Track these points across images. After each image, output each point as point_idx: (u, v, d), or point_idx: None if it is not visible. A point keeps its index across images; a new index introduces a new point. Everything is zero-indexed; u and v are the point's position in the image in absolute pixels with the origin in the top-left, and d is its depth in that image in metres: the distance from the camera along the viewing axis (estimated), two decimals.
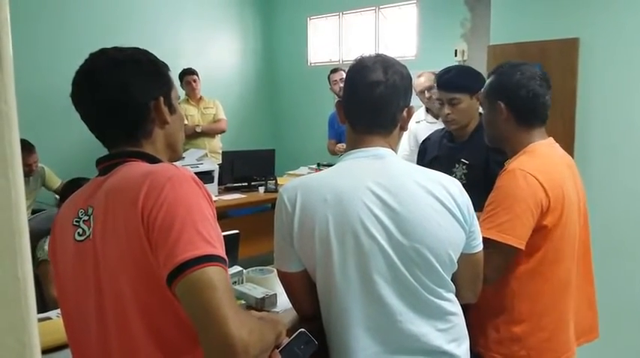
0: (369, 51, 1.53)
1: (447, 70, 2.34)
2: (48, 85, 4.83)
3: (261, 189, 4.56)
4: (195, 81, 5.20)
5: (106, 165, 1.16)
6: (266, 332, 1.08)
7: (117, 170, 1.13)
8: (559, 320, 1.73)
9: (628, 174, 2.76)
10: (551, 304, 1.71)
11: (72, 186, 2.38)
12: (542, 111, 1.76)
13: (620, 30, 2.75)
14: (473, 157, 2.26)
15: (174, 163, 1.16)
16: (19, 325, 0.42)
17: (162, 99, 1.18)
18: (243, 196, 4.39)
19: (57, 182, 4.26)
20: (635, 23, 2.71)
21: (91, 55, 1.17)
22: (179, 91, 5.19)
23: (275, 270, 1.86)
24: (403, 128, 1.46)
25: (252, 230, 3.64)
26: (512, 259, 1.65)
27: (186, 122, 4.97)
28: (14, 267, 0.42)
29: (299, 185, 1.39)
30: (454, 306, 1.40)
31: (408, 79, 1.44)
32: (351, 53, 5.75)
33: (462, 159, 2.29)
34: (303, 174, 5.21)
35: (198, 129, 5.13)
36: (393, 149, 1.43)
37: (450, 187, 1.37)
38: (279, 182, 4.71)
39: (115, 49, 1.18)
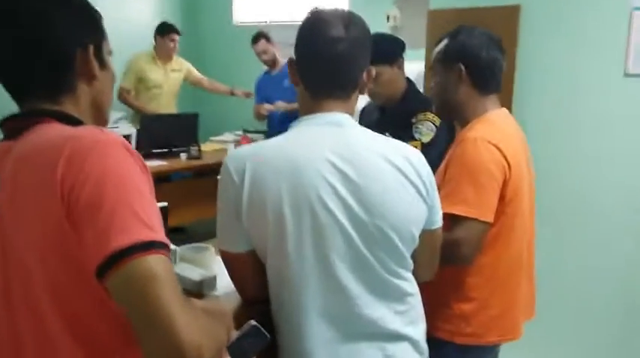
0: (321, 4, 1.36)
1: None
2: None
3: (183, 156, 4.30)
4: (175, 41, 4.82)
5: (14, 127, 0.95)
6: (218, 329, 0.94)
7: (29, 132, 0.93)
8: (509, 299, 1.70)
9: (566, 142, 2.78)
10: (503, 282, 1.67)
11: None
12: (499, 76, 1.69)
13: None
14: (397, 128, 2.18)
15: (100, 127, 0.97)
16: None
17: (92, 48, 0.99)
18: (163, 163, 4.12)
19: None
20: None
21: None
22: (147, 48, 4.82)
23: (209, 246, 1.69)
24: (362, 92, 1.34)
25: (175, 200, 3.40)
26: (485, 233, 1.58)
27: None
28: None
29: (248, 154, 1.23)
30: (412, 286, 1.32)
31: (369, 36, 1.31)
32: (279, 14, 5.49)
33: (387, 133, 2.23)
34: (228, 141, 4.98)
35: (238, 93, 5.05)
36: (351, 115, 1.30)
37: (412, 159, 1.26)
38: (202, 148, 4.49)
39: None
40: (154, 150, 4.25)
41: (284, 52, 4.74)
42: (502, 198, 1.58)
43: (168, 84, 4.92)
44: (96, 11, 1.04)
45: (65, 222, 0.82)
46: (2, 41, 0.95)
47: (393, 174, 1.21)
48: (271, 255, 1.22)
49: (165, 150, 4.29)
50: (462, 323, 1.65)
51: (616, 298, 2.77)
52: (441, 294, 1.64)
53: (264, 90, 4.68)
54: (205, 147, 4.68)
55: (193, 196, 4.10)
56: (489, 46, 1.65)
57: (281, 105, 4.49)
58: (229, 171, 1.21)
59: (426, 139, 2.26)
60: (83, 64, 0.99)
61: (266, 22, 5.51)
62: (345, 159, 1.19)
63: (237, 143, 4.83)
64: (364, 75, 1.30)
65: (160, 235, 0.84)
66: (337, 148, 1.20)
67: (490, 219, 1.55)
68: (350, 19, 1.27)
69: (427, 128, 2.28)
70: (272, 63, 4.66)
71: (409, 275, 1.31)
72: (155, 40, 4.83)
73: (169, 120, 4.59)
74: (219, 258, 1.35)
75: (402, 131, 2.17)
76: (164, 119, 4.58)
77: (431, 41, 3.07)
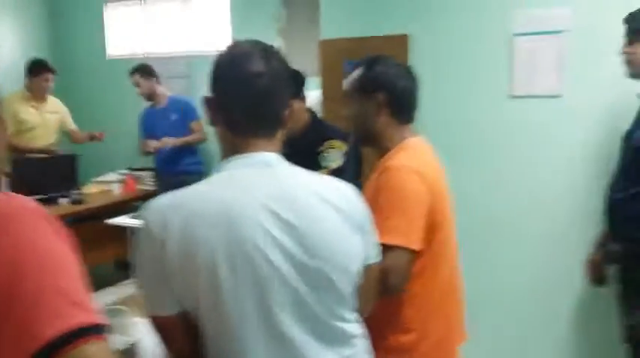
0: (211, 40, 1.30)
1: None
2: None
3: (64, 201, 3.96)
4: (49, 80, 4.42)
5: None
6: None
7: None
8: (445, 325, 1.69)
9: (456, 166, 2.88)
10: (437, 309, 1.66)
11: None
12: (416, 106, 1.71)
13: (447, 26, 2.87)
14: (304, 159, 2.15)
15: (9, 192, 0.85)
16: None
17: None
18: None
19: None
20: (461, 19, 2.87)
21: None
22: (16, 86, 4.32)
23: (123, 309, 1.52)
24: (284, 128, 1.26)
25: None
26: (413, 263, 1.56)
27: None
28: None
29: (171, 205, 1.11)
30: (357, 327, 1.27)
31: (289, 69, 1.26)
32: (156, 46, 5.27)
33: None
34: (112, 181, 4.65)
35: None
36: (279, 153, 1.23)
37: (350, 195, 1.23)
38: (85, 191, 4.17)
39: None
40: (31, 197, 3.84)
41: (164, 85, 4.57)
42: (428, 225, 1.58)
43: (45, 125, 4.50)
44: None
45: None
46: None
47: (332, 213, 1.16)
48: (206, 314, 1.11)
49: (44, 196, 3.89)
50: (405, 356, 1.62)
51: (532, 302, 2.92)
52: (378, 328, 1.57)
53: (150, 125, 4.45)
54: (88, 189, 4.35)
55: (77, 244, 3.76)
56: (406, 75, 1.67)
57: (169, 141, 4.29)
58: (150, 227, 1.08)
59: (335, 165, 2.26)
60: None
61: (141, 54, 5.27)
62: (279, 200, 1.11)
63: (123, 183, 4.55)
64: (287, 110, 1.24)
65: (95, 316, 0.73)
66: (272, 192, 1.12)
67: (417, 246, 1.54)
68: (268, 52, 1.20)
69: (335, 155, 2.28)
70: (148, 97, 4.46)
71: (354, 316, 1.26)
72: (26, 79, 4.42)
73: (45, 163, 4.21)
74: (139, 320, 1.20)
75: (310, 161, 2.14)
76: (39, 162, 4.20)
77: (325, 70, 3.10)
